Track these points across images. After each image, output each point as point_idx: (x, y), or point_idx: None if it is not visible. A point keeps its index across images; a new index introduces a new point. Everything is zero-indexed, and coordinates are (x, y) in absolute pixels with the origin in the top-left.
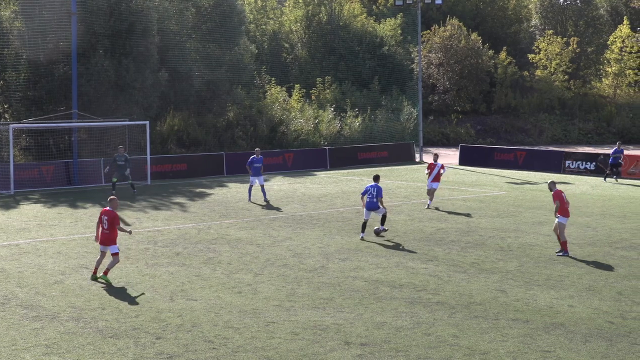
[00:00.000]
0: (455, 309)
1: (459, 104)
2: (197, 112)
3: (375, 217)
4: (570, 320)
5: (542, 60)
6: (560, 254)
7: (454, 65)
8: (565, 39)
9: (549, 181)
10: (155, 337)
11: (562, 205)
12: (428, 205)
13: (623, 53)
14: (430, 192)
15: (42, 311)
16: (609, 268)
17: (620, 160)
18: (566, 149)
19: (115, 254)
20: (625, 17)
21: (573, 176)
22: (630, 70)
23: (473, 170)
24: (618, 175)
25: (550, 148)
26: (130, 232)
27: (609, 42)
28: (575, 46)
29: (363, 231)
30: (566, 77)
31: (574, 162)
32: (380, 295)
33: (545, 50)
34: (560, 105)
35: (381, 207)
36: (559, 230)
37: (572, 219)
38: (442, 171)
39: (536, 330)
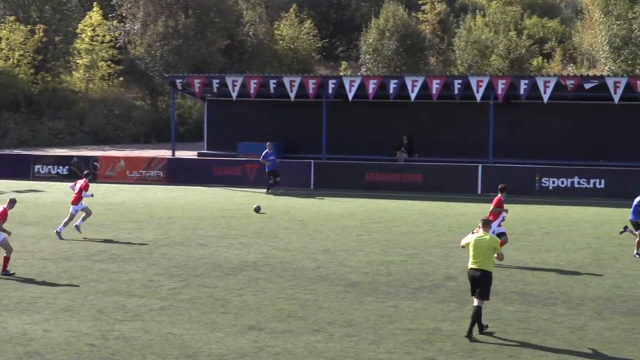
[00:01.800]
0: None
1: None
2: None
3: None
4: (47, 347)
5: (4, 51)
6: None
7: None
8: (30, 26)
9: None
10: None
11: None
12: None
13: (94, 43)
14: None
15: None
16: (87, 284)
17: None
18: (35, 152)
19: None
20: (95, 3)
21: (44, 182)
22: (102, 62)
23: None
24: (275, 183)
25: (17, 151)
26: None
27: (78, 31)
28: (41, 35)
29: None
30: (32, 70)
31: (45, 166)
32: None
33: (7, 39)
34: (26, 102)
35: None
36: None
37: (44, 232)
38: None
39: None
